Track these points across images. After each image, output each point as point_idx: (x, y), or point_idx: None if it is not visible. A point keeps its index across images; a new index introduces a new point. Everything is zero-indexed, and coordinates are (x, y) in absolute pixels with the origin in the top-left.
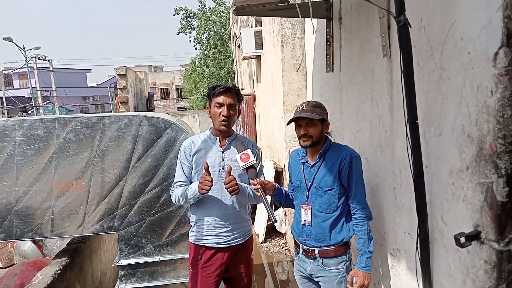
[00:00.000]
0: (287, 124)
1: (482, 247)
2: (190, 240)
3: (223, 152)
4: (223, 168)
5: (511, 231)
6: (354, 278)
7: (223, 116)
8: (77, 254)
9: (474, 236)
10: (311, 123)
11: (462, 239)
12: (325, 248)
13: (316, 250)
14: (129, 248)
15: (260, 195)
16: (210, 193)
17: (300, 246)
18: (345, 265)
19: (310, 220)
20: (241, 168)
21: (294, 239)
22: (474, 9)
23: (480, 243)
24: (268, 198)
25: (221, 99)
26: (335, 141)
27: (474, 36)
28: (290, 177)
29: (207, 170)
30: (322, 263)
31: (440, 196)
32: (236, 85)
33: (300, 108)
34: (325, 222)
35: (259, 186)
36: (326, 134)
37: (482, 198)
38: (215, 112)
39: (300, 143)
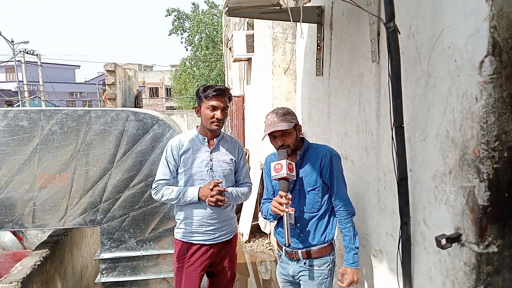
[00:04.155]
0: (262, 139)
1: (462, 249)
2: (176, 237)
3: (211, 152)
4: (211, 168)
5: (491, 234)
6: (344, 275)
7: (217, 119)
8: (58, 247)
9: (454, 238)
10: (286, 133)
11: (443, 241)
12: (308, 249)
13: (299, 251)
14: (111, 242)
15: (286, 217)
16: None
17: (283, 249)
18: (328, 267)
19: (293, 222)
20: (272, 178)
21: (277, 242)
22: (462, 18)
23: (461, 245)
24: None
25: (215, 102)
26: (312, 142)
27: (461, 45)
28: (266, 183)
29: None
30: (305, 263)
31: (423, 199)
32: (227, 86)
33: (271, 120)
34: (309, 222)
35: (289, 208)
36: (302, 136)
37: (464, 201)
38: (208, 114)
39: None
